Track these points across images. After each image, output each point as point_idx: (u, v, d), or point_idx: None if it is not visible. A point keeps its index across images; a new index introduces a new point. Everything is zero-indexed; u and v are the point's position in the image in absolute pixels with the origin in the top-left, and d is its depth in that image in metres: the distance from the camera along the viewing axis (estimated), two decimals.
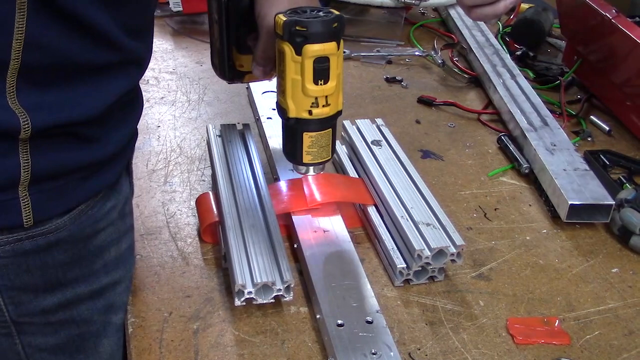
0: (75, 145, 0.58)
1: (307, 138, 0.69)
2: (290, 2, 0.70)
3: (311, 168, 0.72)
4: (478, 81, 1.25)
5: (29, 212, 0.57)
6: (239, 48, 0.80)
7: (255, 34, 0.75)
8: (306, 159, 0.71)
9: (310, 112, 0.67)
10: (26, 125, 0.53)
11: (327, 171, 0.94)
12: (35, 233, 0.59)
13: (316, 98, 0.67)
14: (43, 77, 0.53)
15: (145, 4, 0.61)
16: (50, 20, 0.51)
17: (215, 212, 0.82)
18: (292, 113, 0.68)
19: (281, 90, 0.69)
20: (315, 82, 0.66)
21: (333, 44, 0.65)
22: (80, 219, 0.62)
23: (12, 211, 0.57)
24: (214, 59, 0.83)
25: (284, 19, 0.65)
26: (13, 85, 0.52)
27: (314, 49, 0.64)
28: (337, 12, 0.66)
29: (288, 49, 0.65)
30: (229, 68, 0.81)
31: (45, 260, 0.61)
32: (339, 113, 0.70)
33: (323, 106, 0.67)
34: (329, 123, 0.69)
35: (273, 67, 0.72)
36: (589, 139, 1.09)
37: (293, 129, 0.69)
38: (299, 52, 0.65)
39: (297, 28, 0.63)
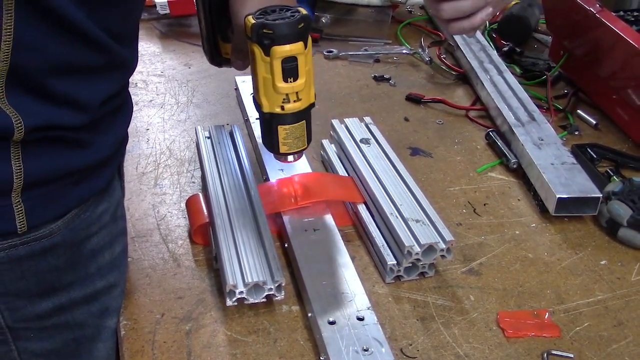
0: (66, 151, 0.58)
1: (282, 130, 0.72)
2: (261, 0, 0.71)
3: (289, 156, 0.75)
4: (465, 78, 1.25)
5: (23, 218, 0.58)
6: (222, 37, 0.83)
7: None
8: (283, 149, 0.73)
9: (282, 107, 0.70)
10: (19, 126, 0.53)
11: (317, 170, 0.95)
12: (29, 239, 0.59)
13: (287, 94, 0.69)
14: (31, 78, 0.53)
15: (130, 9, 0.61)
16: (37, 20, 0.51)
17: (206, 213, 0.82)
18: (266, 108, 0.70)
19: (255, 87, 0.71)
20: (285, 80, 0.68)
21: (300, 44, 0.67)
22: (73, 223, 0.62)
23: (6, 218, 0.57)
24: (203, 44, 0.86)
25: (253, 21, 0.67)
26: (2, 87, 0.52)
27: (282, 50, 0.66)
28: (304, 12, 0.68)
29: (257, 50, 0.67)
30: (216, 54, 0.85)
31: (39, 265, 0.61)
32: (312, 105, 0.73)
33: (294, 101, 0.70)
34: (302, 116, 0.72)
35: (249, 60, 0.74)
36: (576, 133, 1.10)
37: (268, 123, 0.72)
38: (267, 53, 0.67)
39: (264, 31, 0.66)
